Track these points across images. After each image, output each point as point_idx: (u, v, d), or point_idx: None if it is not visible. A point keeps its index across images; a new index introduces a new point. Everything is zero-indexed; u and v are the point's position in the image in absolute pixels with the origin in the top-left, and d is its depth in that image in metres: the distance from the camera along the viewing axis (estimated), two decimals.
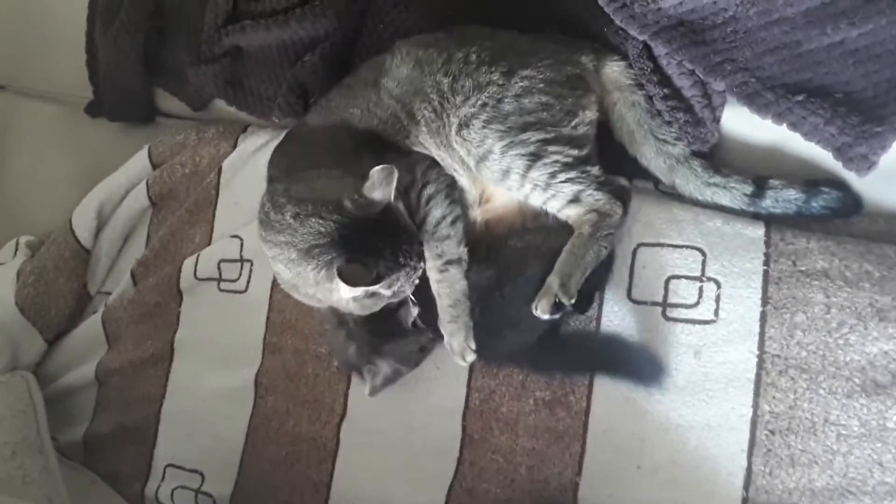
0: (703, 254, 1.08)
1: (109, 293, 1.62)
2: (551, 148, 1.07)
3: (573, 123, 1.09)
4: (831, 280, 1.00)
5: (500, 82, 1.09)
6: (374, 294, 1.03)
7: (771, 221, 1.07)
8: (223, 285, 1.45)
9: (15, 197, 1.85)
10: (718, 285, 1.06)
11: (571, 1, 1.21)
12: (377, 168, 1.00)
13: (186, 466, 1.45)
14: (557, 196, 1.09)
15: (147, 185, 1.59)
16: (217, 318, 1.46)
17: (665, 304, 1.08)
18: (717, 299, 1.05)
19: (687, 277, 1.08)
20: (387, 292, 1.03)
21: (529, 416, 1.15)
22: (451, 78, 1.11)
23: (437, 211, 1.13)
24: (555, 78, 1.10)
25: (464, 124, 1.10)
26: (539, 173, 1.08)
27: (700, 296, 1.07)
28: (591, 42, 1.16)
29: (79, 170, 1.73)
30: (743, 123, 1.11)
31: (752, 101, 1.05)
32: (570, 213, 1.09)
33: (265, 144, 1.47)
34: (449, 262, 1.12)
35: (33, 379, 1.57)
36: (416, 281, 1.08)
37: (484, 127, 1.09)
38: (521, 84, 1.09)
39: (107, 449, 1.55)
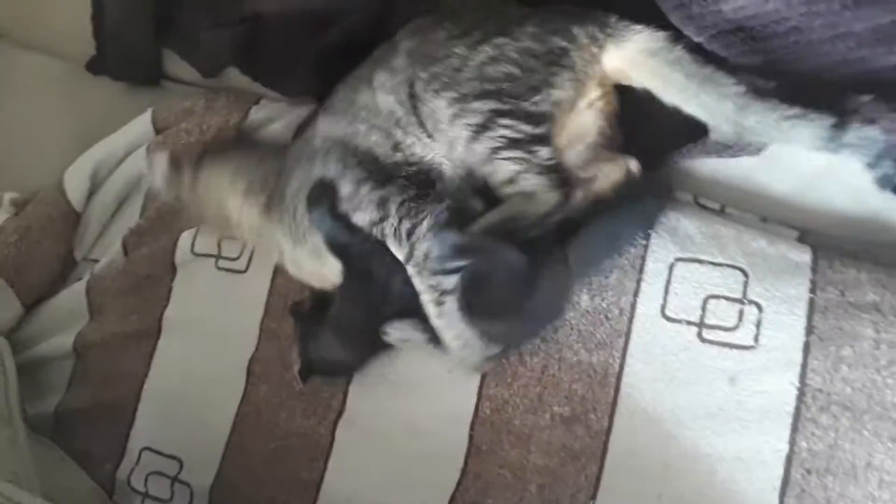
0: (746, 275, 1.01)
1: (97, 261, 1.52)
2: (502, 121, 1.00)
3: (534, 99, 1.02)
4: (883, 315, 0.94)
5: (463, 53, 1.03)
6: None
7: (818, 248, 1.01)
8: (221, 263, 1.37)
9: (2, 151, 1.74)
10: (760, 309, 0.99)
11: None
12: None
13: (164, 452, 1.36)
14: (496, 173, 1.02)
15: (148, 150, 1.49)
16: (212, 298, 1.37)
17: (702, 325, 1.02)
18: (758, 324, 0.99)
19: (727, 298, 1.01)
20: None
21: (544, 432, 1.08)
22: (424, 62, 1.06)
23: (423, 245, 1.05)
24: (532, 48, 1.03)
25: (421, 96, 1.04)
26: (482, 147, 1.01)
27: (740, 319, 1.00)
28: (605, 14, 1.07)
29: (75, 129, 1.62)
30: None
31: None
32: (504, 194, 1.03)
33: (277, 118, 1.38)
34: (446, 293, 1.04)
35: (6, 345, 1.47)
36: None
37: (435, 96, 1.03)
38: (490, 53, 1.02)
39: (79, 425, 1.45)
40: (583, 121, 1.09)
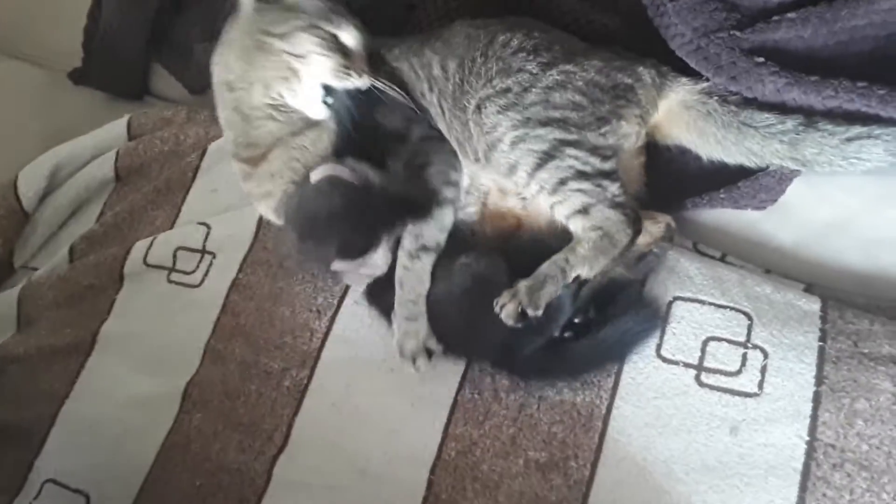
0: (750, 318, 0.93)
1: (36, 269, 1.39)
2: (569, 151, 0.95)
3: (602, 130, 0.96)
4: None
5: (534, 72, 0.98)
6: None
7: (827, 298, 0.94)
8: (174, 276, 1.25)
9: None
10: (765, 355, 0.91)
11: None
12: None
13: (70, 485, 1.17)
14: (565, 203, 0.95)
15: (117, 155, 1.40)
16: (157, 313, 1.24)
17: (700, 368, 0.92)
18: (763, 370, 0.90)
19: (729, 341, 0.93)
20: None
21: (516, 480, 0.94)
22: (483, 58, 1.01)
23: (444, 206, 1.02)
24: (599, 81, 0.98)
25: (480, 106, 0.99)
26: (548, 175, 0.95)
27: (743, 363, 0.91)
28: (654, 60, 1.04)
29: (46, 135, 1.53)
30: None
31: None
32: (576, 226, 0.95)
33: None
34: (424, 249, 1.00)
35: None
36: None
37: (499, 112, 0.97)
38: (557, 78, 0.98)
39: None
40: (630, 168, 1.02)
